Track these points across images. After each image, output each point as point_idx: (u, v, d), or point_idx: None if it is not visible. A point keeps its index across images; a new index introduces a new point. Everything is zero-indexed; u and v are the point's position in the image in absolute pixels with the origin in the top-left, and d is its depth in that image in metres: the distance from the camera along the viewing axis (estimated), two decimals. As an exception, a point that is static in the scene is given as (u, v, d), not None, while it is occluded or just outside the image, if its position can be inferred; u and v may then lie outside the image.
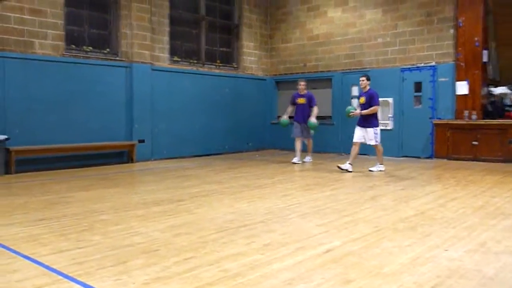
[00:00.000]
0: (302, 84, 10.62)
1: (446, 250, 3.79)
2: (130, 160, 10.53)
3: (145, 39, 10.78)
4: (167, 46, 11.48)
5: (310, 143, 10.75)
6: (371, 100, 8.75)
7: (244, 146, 13.44)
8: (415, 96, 11.42)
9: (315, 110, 10.41)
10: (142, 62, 10.75)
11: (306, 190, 6.92)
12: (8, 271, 3.30)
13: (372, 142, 8.82)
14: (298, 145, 10.59)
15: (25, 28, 8.92)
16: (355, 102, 11.46)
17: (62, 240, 4.11)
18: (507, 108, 10.87)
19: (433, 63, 11.11)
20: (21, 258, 3.60)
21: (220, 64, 13.06)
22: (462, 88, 10.68)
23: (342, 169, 8.71)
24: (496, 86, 11.39)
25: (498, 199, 6.03)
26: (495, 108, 10.83)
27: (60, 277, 3.18)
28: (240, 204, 5.76)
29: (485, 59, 10.68)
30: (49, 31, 9.23)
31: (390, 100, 11.69)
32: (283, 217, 5.06)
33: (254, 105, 13.80)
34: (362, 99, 8.92)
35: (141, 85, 10.74)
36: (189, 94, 11.88)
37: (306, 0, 13.33)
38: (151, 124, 11.00)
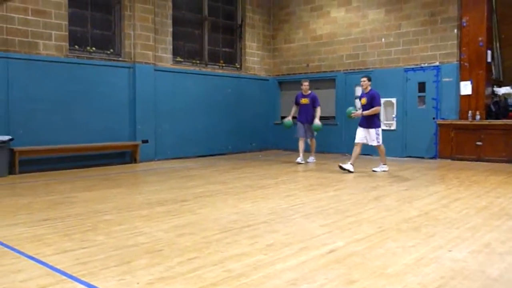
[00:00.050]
0: (305, 84, 10.61)
1: (450, 251, 3.78)
2: (133, 160, 10.55)
3: (148, 39, 10.80)
4: (170, 47, 11.50)
5: (313, 143, 10.75)
6: (372, 100, 8.73)
7: (247, 147, 13.44)
8: (419, 96, 11.40)
9: (319, 111, 10.42)
10: (145, 63, 10.77)
11: (309, 190, 6.92)
12: (13, 271, 3.31)
13: (374, 143, 8.81)
14: (301, 145, 10.59)
15: (29, 29, 8.95)
16: (358, 102, 11.43)
17: (66, 240, 4.12)
18: (511, 108, 10.85)
19: (437, 63, 11.09)
20: (25, 258, 3.61)
21: (223, 65, 13.07)
22: (466, 88, 10.66)
23: (343, 169, 8.70)
24: (500, 86, 11.36)
25: (502, 200, 6.01)
26: (499, 108, 10.80)
27: (64, 277, 3.19)
28: (244, 205, 5.76)
29: (489, 59, 10.66)
30: (53, 32, 9.26)
31: (394, 100, 11.68)
32: (287, 217, 5.06)
33: (257, 105, 13.80)
34: (364, 100, 8.90)
35: (144, 86, 10.76)
36: (192, 95, 11.90)
37: (309, 0, 13.32)
38: (154, 125, 11.01)
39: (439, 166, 9.88)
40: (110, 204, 5.81)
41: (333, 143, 12.46)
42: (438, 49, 11.07)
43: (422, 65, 11.31)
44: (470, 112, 10.55)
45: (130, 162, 10.55)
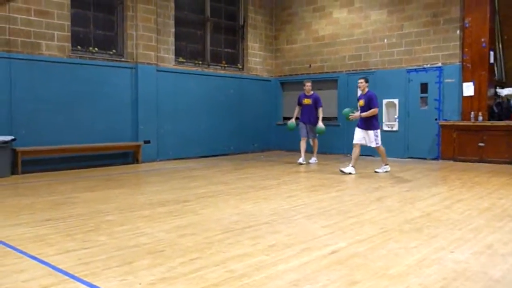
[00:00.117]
0: (308, 85, 10.62)
1: (452, 252, 3.77)
2: (135, 161, 10.56)
3: (150, 40, 10.82)
4: (172, 47, 11.51)
5: (315, 144, 10.75)
6: (370, 102, 8.70)
7: (249, 147, 13.44)
8: (421, 97, 11.39)
9: (321, 112, 10.43)
10: (147, 63, 10.78)
11: (311, 191, 6.92)
12: (15, 271, 3.31)
13: (373, 145, 8.78)
14: (303, 145, 10.59)
15: (32, 29, 8.97)
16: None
17: (68, 240, 4.13)
18: (513, 110, 10.82)
19: (439, 64, 11.08)
20: (28, 258, 3.62)
21: (225, 65, 13.07)
22: (469, 89, 10.64)
23: (345, 173, 8.65)
24: (502, 87, 11.34)
25: (504, 201, 6.00)
26: (502, 109, 10.78)
27: (66, 277, 3.19)
28: (246, 205, 5.76)
29: (491, 60, 10.64)
30: (55, 32, 9.28)
31: (396, 101, 11.67)
32: (289, 218, 5.06)
33: (259, 106, 13.80)
34: (361, 102, 8.86)
35: (147, 86, 10.77)
36: (194, 95, 11.91)
37: (312, 1, 13.32)
38: (156, 125, 11.02)
39: (441, 167, 9.87)
40: (112, 204, 5.82)
41: (335, 144, 12.45)
42: (441, 50, 11.06)
43: (425, 66, 11.30)
44: (472, 113, 10.53)
45: (132, 163, 10.56)
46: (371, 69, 12.16)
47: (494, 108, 10.75)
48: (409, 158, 11.42)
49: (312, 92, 10.66)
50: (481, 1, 10.50)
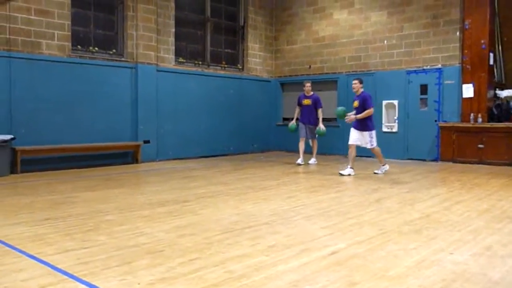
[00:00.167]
0: (307, 86, 10.63)
1: (451, 254, 3.77)
2: (135, 160, 10.56)
3: (150, 40, 10.82)
4: (172, 47, 11.51)
5: (315, 145, 10.75)
6: (364, 103, 8.66)
7: (249, 148, 13.44)
8: (421, 99, 11.39)
9: (321, 114, 10.45)
10: (147, 63, 10.78)
11: (311, 192, 6.92)
12: (14, 270, 3.31)
13: (368, 146, 8.75)
14: (301, 146, 10.62)
15: (32, 28, 8.96)
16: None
17: (68, 240, 4.12)
18: (513, 111, 10.83)
19: (439, 66, 11.09)
20: (27, 257, 3.62)
21: (225, 66, 13.08)
22: (468, 90, 10.65)
23: (344, 175, 8.63)
24: (502, 89, 11.35)
25: (504, 203, 6.00)
26: (501, 111, 10.79)
27: (65, 276, 3.19)
28: (245, 206, 5.76)
29: (491, 62, 10.65)
30: (56, 31, 9.28)
31: (396, 102, 11.67)
32: (288, 219, 5.06)
33: (259, 106, 13.80)
34: (356, 103, 8.83)
35: (147, 86, 10.77)
36: (194, 95, 11.91)
37: (312, 2, 13.33)
38: (156, 125, 11.02)
39: (440, 169, 9.87)
40: (112, 204, 5.81)
41: (335, 144, 12.44)
42: (441, 52, 11.07)
43: (425, 67, 11.30)
44: (472, 114, 10.54)
45: (132, 163, 10.56)
46: (371, 70, 12.16)
47: (494, 109, 10.76)
48: (409, 159, 11.43)
49: (312, 92, 10.67)
50: (481, 3, 10.51)
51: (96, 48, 10.14)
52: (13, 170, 8.51)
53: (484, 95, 10.54)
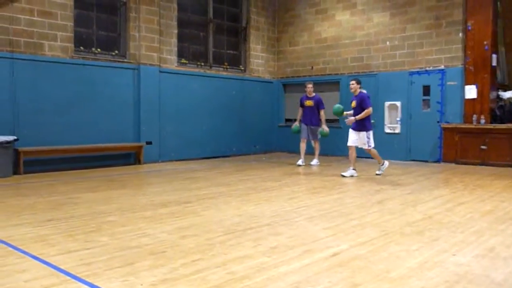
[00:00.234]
0: (309, 87, 10.64)
1: (454, 255, 3.76)
2: (137, 161, 10.57)
3: (153, 41, 10.83)
4: (174, 49, 11.53)
5: (317, 146, 10.74)
6: (362, 102, 8.63)
7: (251, 149, 13.44)
8: (423, 100, 11.38)
9: (323, 115, 10.45)
10: (150, 64, 10.80)
11: (313, 193, 6.92)
12: (17, 271, 3.32)
13: (365, 147, 8.69)
14: (303, 147, 10.64)
15: (35, 30, 8.99)
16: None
17: (70, 240, 4.13)
18: (515, 113, 10.81)
19: (442, 67, 11.07)
20: (30, 258, 3.63)
21: (228, 67, 13.08)
22: (471, 92, 10.63)
23: (346, 177, 8.61)
24: (505, 90, 11.32)
25: (507, 204, 5.98)
26: (504, 112, 10.77)
27: (68, 277, 3.20)
28: (247, 207, 5.76)
29: (494, 63, 10.63)
30: (58, 33, 9.30)
31: (398, 103, 11.66)
32: (290, 220, 5.06)
33: (261, 107, 13.81)
34: (353, 103, 8.80)
35: (149, 87, 10.79)
36: (196, 96, 11.91)
37: (314, 3, 13.33)
38: (158, 126, 11.04)
39: (443, 170, 9.85)
40: (114, 205, 5.82)
41: (337, 145, 12.42)
42: (443, 53, 11.05)
43: (427, 68, 11.29)
44: (474, 116, 10.52)
45: (134, 164, 10.57)
46: (373, 71, 12.16)
47: (497, 111, 10.73)
48: (411, 160, 11.41)
49: (314, 94, 10.67)
50: (483, 4, 10.49)
51: (99, 49, 10.16)
52: (16, 171, 8.53)
53: (487, 96, 10.52)
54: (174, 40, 11.49)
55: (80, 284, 3.08)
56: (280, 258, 3.65)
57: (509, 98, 11.03)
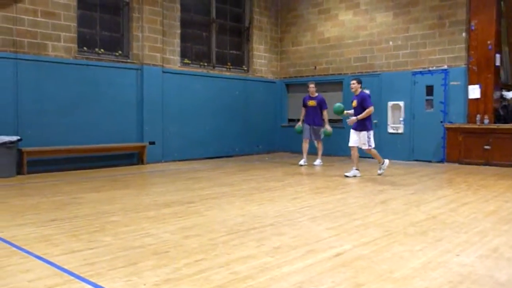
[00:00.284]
0: (311, 87, 10.64)
1: (457, 255, 3.76)
2: (140, 161, 10.59)
3: (156, 41, 10.85)
4: (178, 49, 11.54)
5: (320, 146, 10.74)
6: (363, 102, 8.61)
7: (254, 149, 13.44)
8: (427, 100, 11.35)
9: (326, 115, 10.45)
10: (153, 65, 10.81)
11: (316, 193, 6.91)
12: (21, 271, 3.33)
13: (365, 147, 8.65)
14: (305, 147, 10.68)
15: (39, 30, 9.01)
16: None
17: (74, 240, 4.14)
18: (519, 113, 10.77)
19: (445, 67, 11.04)
20: (33, 258, 3.64)
21: (231, 67, 13.09)
22: (474, 92, 10.60)
23: (349, 177, 8.60)
24: (508, 90, 11.28)
25: (510, 204, 5.97)
26: (508, 112, 10.73)
27: (72, 277, 3.21)
28: (250, 207, 5.76)
29: (497, 63, 10.59)
30: (62, 33, 9.33)
31: (401, 103, 11.64)
32: (293, 220, 5.06)
33: (264, 107, 13.81)
34: (354, 103, 8.78)
35: (152, 87, 10.81)
36: (199, 97, 11.92)
37: (317, 3, 13.32)
38: (161, 126, 11.05)
39: (446, 170, 9.83)
40: (117, 205, 5.83)
41: (340, 146, 12.41)
42: (446, 53, 11.03)
43: (430, 68, 11.26)
44: (478, 116, 10.49)
45: (137, 164, 10.59)
46: (376, 71, 12.14)
47: (500, 111, 10.71)
48: (414, 160, 11.39)
49: (316, 94, 10.67)
50: (487, 4, 10.46)
51: (102, 50, 10.18)
52: (19, 171, 8.56)
53: (490, 96, 10.49)
54: (177, 41, 11.50)
55: (83, 284, 3.09)
56: (283, 258, 3.65)
57: (512, 98, 11.01)
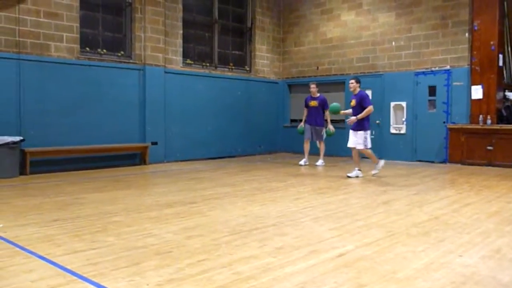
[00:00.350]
0: (313, 87, 10.65)
1: (460, 256, 3.75)
2: (143, 162, 10.60)
3: (158, 42, 10.86)
4: (180, 49, 11.55)
5: (322, 146, 10.74)
6: (362, 101, 8.57)
7: (256, 149, 13.45)
8: (429, 100, 11.34)
9: (328, 115, 10.46)
10: (155, 65, 10.82)
11: (318, 193, 6.91)
12: (24, 271, 3.34)
13: (360, 147, 8.58)
14: (306, 147, 10.71)
15: (41, 31, 9.03)
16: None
17: (77, 241, 4.15)
18: (522, 113, 10.75)
19: (448, 67, 11.03)
20: (36, 258, 3.64)
21: (233, 67, 13.09)
22: (477, 92, 10.58)
23: (351, 177, 8.58)
24: (511, 91, 11.26)
25: (513, 205, 5.95)
26: (511, 113, 10.71)
27: (74, 277, 3.21)
28: (253, 207, 5.76)
29: (500, 63, 10.57)
30: (64, 34, 9.35)
31: (404, 104, 11.63)
32: (296, 220, 5.05)
33: (267, 108, 13.81)
34: (353, 102, 8.74)
35: (154, 88, 10.82)
36: (201, 97, 11.93)
37: (320, 3, 13.32)
38: (164, 127, 11.06)
39: (449, 171, 9.81)
40: (120, 205, 5.84)
41: (342, 146, 12.35)
42: (449, 53, 11.01)
43: (433, 68, 11.25)
44: (481, 116, 10.47)
45: (140, 164, 10.60)
46: (379, 71, 12.13)
47: (503, 111, 10.68)
48: (417, 161, 11.37)
49: (318, 94, 10.67)
50: (490, 4, 10.44)
51: (105, 50, 10.19)
52: (22, 172, 8.58)
53: (493, 97, 10.47)
54: (179, 41, 11.51)
55: (86, 284, 3.10)
56: (286, 259, 3.65)
57: (515, 99, 10.98)
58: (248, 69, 13.55)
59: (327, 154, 11.31)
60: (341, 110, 9.21)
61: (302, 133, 10.74)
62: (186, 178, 8.52)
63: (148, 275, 3.25)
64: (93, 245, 4.01)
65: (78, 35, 9.59)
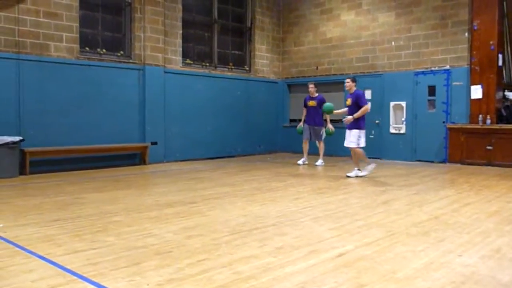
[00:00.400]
0: (311, 87, 10.67)
1: (460, 256, 3.75)
2: (142, 162, 10.60)
3: (158, 41, 10.86)
4: (179, 49, 11.55)
5: (321, 146, 10.74)
6: (358, 100, 8.54)
7: (256, 149, 13.45)
8: (429, 100, 11.34)
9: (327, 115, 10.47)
10: (155, 65, 10.82)
11: (318, 193, 6.91)
12: (24, 271, 3.34)
13: (353, 145, 8.51)
14: (305, 147, 10.75)
15: (41, 31, 9.03)
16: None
17: (77, 240, 4.15)
18: (521, 113, 10.76)
19: (447, 67, 11.03)
20: (36, 258, 3.64)
21: (232, 67, 13.09)
22: (477, 92, 10.59)
23: (351, 177, 8.57)
24: (511, 90, 11.27)
25: (513, 205, 5.96)
26: (510, 112, 10.72)
27: (75, 277, 3.21)
28: (253, 207, 5.77)
29: (500, 63, 10.58)
30: (64, 33, 9.35)
31: (404, 103, 11.63)
32: (295, 220, 5.06)
33: (266, 108, 13.81)
34: (349, 101, 8.73)
35: (154, 88, 10.82)
36: (201, 97, 11.93)
37: (319, 3, 13.32)
38: (163, 126, 11.06)
39: (449, 171, 9.82)
40: (120, 205, 5.84)
41: (342, 146, 12.37)
42: (449, 53, 11.02)
43: (433, 68, 11.26)
44: (480, 116, 10.47)
45: (139, 164, 10.60)
46: (378, 71, 12.13)
47: (503, 111, 10.69)
48: (417, 161, 11.38)
49: (317, 94, 10.68)
50: (489, 4, 10.45)
51: (104, 50, 10.19)
52: (22, 172, 8.57)
53: (492, 97, 10.47)
54: (179, 41, 11.51)
55: (86, 284, 3.10)
56: (286, 258, 3.65)
57: (515, 98, 10.99)
58: (247, 69, 13.56)
59: (327, 154, 11.31)
60: (335, 110, 9.21)
61: (301, 133, 10.75)
62: (186, 178, 8.52)
63: (148, 275, 3.25)
64: (93, 245, 4.01)
65: (77, 35, 9.59)
